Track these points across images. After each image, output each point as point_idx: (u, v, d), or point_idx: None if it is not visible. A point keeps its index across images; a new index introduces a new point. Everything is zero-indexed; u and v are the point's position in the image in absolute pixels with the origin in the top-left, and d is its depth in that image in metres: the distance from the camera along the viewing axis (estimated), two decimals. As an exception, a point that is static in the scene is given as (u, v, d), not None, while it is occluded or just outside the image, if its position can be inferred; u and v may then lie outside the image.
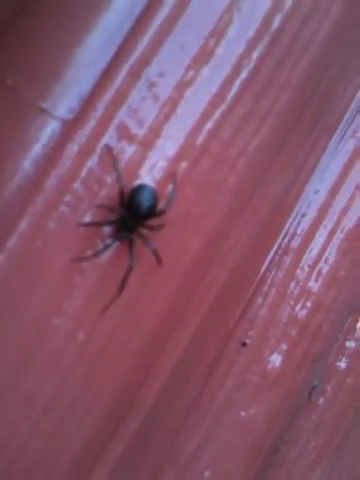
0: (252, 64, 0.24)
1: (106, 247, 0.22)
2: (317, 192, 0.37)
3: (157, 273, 0.24)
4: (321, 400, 0.44)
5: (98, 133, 0.22)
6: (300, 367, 0.38)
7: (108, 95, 0.22)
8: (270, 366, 0.37)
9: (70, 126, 0.21)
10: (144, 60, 0.22)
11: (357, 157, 0.38)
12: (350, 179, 0.38)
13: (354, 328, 0.47)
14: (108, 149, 0.22)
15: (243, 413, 0.36)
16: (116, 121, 0.22)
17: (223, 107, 0.23)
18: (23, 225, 0.21)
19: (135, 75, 0.22)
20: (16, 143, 0.20)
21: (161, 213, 0.22)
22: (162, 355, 0.26)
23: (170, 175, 0.23)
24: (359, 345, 0.46)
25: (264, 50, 0.24)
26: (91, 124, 0.21)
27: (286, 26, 0.24)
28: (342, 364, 0.45)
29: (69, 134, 0.21)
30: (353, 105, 0.36)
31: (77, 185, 0.22)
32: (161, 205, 0.23)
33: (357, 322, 0.47)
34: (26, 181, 0.21)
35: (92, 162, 0.22)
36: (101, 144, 0.22)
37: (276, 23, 0.24)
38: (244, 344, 0.37)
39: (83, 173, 0.22)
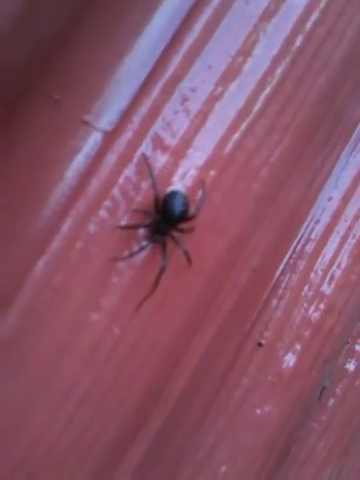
0: (275, 80, 0.26)
1: (141, 249, 0.23)
2: (330, 199, 0.39)
3: (185, 273, 0.26)
4: (331, 401, 0.45)
5: (135, 143, 0.24)
6: (312, 367, 0.39)
7: (144, 109, 0.24)
8: (284, 366, 0.39)
9: (110, 137, 0.23)
10: (177, 77, 0.24)
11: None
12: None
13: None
14: (144, 158, 0.24)
15: (258, 411, 0.38)
16: (151, 132, 0.24)
17: (248, 120, 0.25)
18: (65, 228, 0.23)
19: (168, 91, 0.24)
20: (61, 152, 0.22)
21: (192, 218, 0.24)
22: (187, 352, 0.28)
23: (200, 182, 0.25)
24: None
25: (286, 68, 0.26)
26: (128, 135, 0.23)
27: (306, 46, 0.26)
28: (351, 366, 0.46)
29: (109, 144, 0.23)
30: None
31: (115, 191, 0.24)
32: (191, 210, 0.24)
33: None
34: (69, 187, 0.23)
35: (129, 170, 0.24)
36: (138, 153, 0.24)
37: (298, 43, 0.26)
38: (260, 344, 0.39)
39: (121, 180, 0.24)
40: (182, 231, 0.24)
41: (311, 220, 0.39)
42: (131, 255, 0.23)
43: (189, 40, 0.24)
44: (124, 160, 0.24)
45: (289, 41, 0.26)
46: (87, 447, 0.25)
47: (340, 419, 0.46)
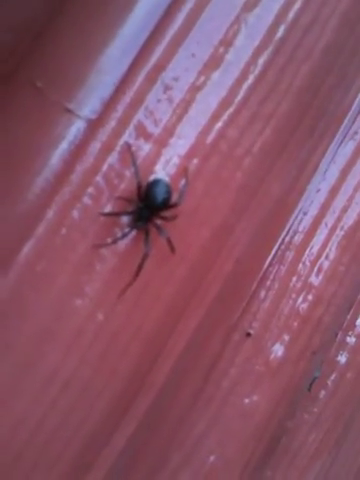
0: (257, 70, 0.26)
1: (124, 235, 0.24)
2: (318, 191, 0.39)
3: (168, 261, 0.26)
4: (322, 393, 0.46)
5: (118, 132, 0.24)
6: (301, 358, 0.40)
7: (127, 98, 0.24)
8: (272, 356, 0.39)
9: (93, 125, 0.23)
10: (159, 66, 0.25)
11: (357, 158, 0.41)
12: (350, 179, 0.40)
13: (354, 324, 0.49)
14: (127, 146, 0.24)
15: (246, 400, 0.38)
16: (134, 121, 0.24)
17: (231, 109, 0.26)
18: (50, 214, 0.23)
19: (151, 80, 0.24)
20: (45, 140, 0.23)
21: (174, 205, 0.25)
22: (171, 339, 0.28)
23: (182, 171, 0.25)
24: (359, 341, 0.48)
25: (269, 58, 0.26)
26: (112, 124, 0.24)
27: (289, 35, 0.26)
28: (342, 358, 0.46)
29: (92, 132, 0.23)
30: (353, 108, 0.38)
31: (99, 179, 0.24)
32: (174, 198, 0.25)
33: (357, 318, 0.49)
34: (53, 174, 0.23)
35: (112, 158, 0.24)
36: (121, 142, 0.24)
37: (280, 33, 0.26)
38: (248, 334, 0.39)
39: (104, 168, 0.24)
40: (165, 219, 0.25)
41: (299, 212, 0.39)
42: (114, 242, 0.24)
43: (172, 30, 0.25)
44: (107, 148, 0.24)
45: (271, 31, 0.26)
46: (71, 431, 0.26)
47: (332, 411, 0.47)
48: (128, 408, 0.28)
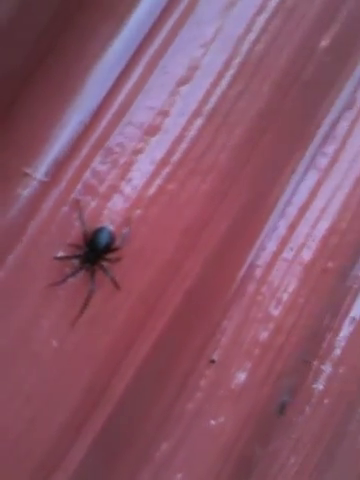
0: (192, 134, 0.31)
1: (72, 274, 0.29)
2: (277, 229, 0.43)
3: (117, 296, 0.31)
4: (300, 419, 0.49)
5: (69, 190, 0.29)
6: (264, 383, 0.43)
7: (76, 162, 0.29)
8: (236, 381, 0.43)
9: (46, 186, 0.29)
10: (105, 135, 0.30)
11: (315, 196, 0.44)
12: (308, 215, 0.44)
13: (330, 354, 0.53)
14: (76, 201, 0.30)
15: (213, 422, 0.42)
16: (82, 181, 0.29)
17: (168, 169, 0.31)
18: (10, 259, 0.29)
19: (98, 147, 0.30)
20: (5, 197, 0.28)
21: (117, 249, 0.30)
22: (124, 363, 0.33)
23: (126, 220, 0.30)
24: (334, 369, 0.51)
25: (203, 123, 0.31)
26: (63, 184, 0.29)
27: (220, 105, 0.31)
28: (319, 386, 0.50)
29: (46, 191, 0.29)
30: (304, 156, 0.42)
31: (53, 228, 0.29)
32: (117, 243, 0.30)
33: (333, 349, 0.52)
34: (13, 226, 0.29)
35: (64, 212, 0.29)
36: (71, 198, 0.29)
37: (212, 103, 0.31)
38: (212, 361, 0.43)
39: (58, 219, 0.29)
40: (110, 260, 0.30)
41: (259, 248, 0.43)
42: (64, 280, 0.29)
43: (115, 105, 0.30)
44: (60, 203, 0.29)
45: (204, 101, 0.31)
46: (35, 439, 0.31)
47: (310, 436, 0.49)
48: (85, 423, 0.32)
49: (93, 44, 0.28)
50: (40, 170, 0.28)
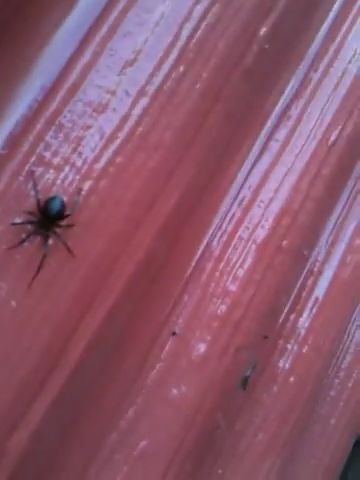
0: (137, 113, 0.34)
1: (27, 238, 0.32)
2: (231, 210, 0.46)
3: (71, 262, 0.34)
4: (265, 396, 0.51)
5: (24, 162, 0.32)
6: (223, 354, 0.46)
7: (30, 136, 0.32)
8: (196, 352, 0.45)
9: (3, 158, 0.32)
10: (57, 111, 0.33)
11: (267, 176, 0.47)
12: (261, 197, 0.47)
13: (295, 333, 0.55)
14: (30, 173, 0.33)
15: (175, 391, 0.44)
16: (36, 153, 0.32)
17: (116, 144, 0.34)
18: (-29, 225, 0.32)
19: (50, 122, 0.33)
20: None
21: (67, 216, 0.33)
22: (80, 326, 0.35)
23: (77, 190, 0.33)
24: (299, 349, 0.53)
25: (147, 104, 0.35)
26: (19, 156, 0.32)
27: (164, 84, 0.35)
28: (285, 364, 0.52)
29: (3, 163, 0.32)
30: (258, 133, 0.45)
31: (10, 197, 0.32)
32: (68, 210, 0.33)
33: (296, 327, 0.55)
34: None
35: (20, 182, 0.32)
36: (26, 169, 0.32)
37: (157, 82, 0.34)
38: (174, 333, 0.45)
39: (14, 188, 0.32)
40: (62, 227, 0.33)
41: (216, 228, 0.46)
42: (20, 243, 0.32)
43: (68, 82, 0.33)
44: (17, 174, 0.32)
45: (148, 82, 0.35)
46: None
47: (276, 414, 0.52)
48: (43, 384, 0.35)
49: (46, 24, 0.32)
50: (-3, 143, 0.31)
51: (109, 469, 0.39)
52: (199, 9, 0.35)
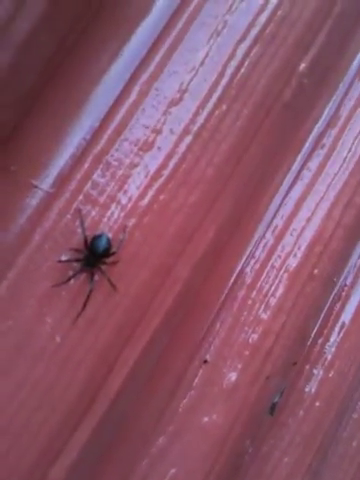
0: (181, 151, 0.35)
1: (74, 275, 0.32)
2: (263, 238, 0.47)
3: (114, 297, 0.35)
4: (290, 420, 0.51)
5: (71, 200, 0.33)
6: (254, 383, 0.46)
7: (78, 175, 0.33)
8: (227, 380, 0.46)
9: (52, 196, 0.32)
10: (104, 151, 0.34)
11: (302, 202, 0.48)
12: (294, 225, 0.47)
13: (322, 358, 0.56)
14: (78, 211, 0.33)
15: (205, 419, 0.45)
16: (84, 192, 0.33)
17: (160, 181, 0.34)
18: (20, 262, 0.32)
19: (98, 161, 0.33)
20: (15, 207, 0.32)
21: (113, 253, 0.33)
22: (120, 359, 0.36)
23: (122, 227, 0.34)
24: (325, 374, 0.54)
25: (190, 142, 0.35)
26: (66, 195, 0.33)
27: (207, 123, 0.35)
28: (311, 389, 0.52)
29: (51, 201, 0.32)
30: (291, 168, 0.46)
31: (57, 234, 0.33)
32: (114, 248, 0.33)
33: (323, 354, 0.55)
34: (22, 232, 0.32)
35: (67, 219, 0.33)
36: (73, 207, 0.33)
37: (199, 123, 0.35)
38: (205, 361, 0.46)
39: (61, 226, 0.33)
40: (107, 264, 0.33)
41: (248, 256, 0.46)
42: (67, 280, 0.32)
43: (115, 122, 0.34)
44: (64, 212, 0.33)
45: (192, 121, 0.35)
46: (36, 426, 0.34)
47: (301, 438, 0.52)
48: (84, 416, 0.35)
49: (94, 67, 0.32)
50: (46, 182, 0.32)
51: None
52: (243, 47, 0.35)
